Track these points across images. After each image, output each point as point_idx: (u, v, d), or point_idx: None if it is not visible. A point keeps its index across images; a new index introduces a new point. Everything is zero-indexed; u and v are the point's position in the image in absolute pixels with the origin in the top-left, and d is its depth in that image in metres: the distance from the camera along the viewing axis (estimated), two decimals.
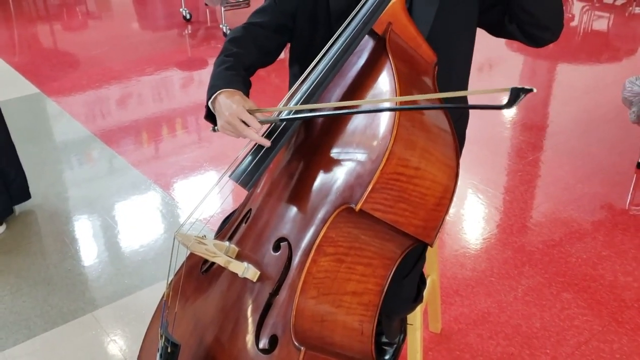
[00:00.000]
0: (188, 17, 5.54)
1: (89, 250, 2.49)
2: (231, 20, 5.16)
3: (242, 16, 5.27)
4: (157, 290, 2.21)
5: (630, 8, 5.89)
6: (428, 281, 1.77)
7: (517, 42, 1.37)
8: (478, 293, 2.19)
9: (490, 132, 3.37)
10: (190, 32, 5.39)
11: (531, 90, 0.83)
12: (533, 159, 3.12)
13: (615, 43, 5.11)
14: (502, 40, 1.43)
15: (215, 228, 1.53)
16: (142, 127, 3.57)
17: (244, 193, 1.36)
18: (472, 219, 2.64)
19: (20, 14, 6.01)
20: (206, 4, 5.60)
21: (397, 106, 1.06)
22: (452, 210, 2.64)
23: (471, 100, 1.16)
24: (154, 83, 4.23)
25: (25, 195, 2.71)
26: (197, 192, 2.93)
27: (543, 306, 2.12)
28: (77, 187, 2.94)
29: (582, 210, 2.66)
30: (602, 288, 2.20)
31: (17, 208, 2.70)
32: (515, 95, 0.84)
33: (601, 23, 5.70)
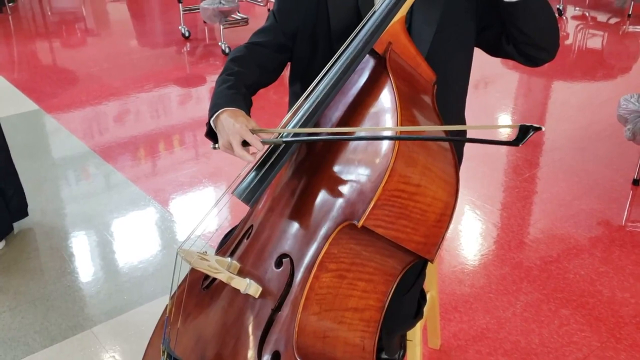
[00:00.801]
0: (187, 34, 5.58)
1: (87, 266, 2.49)
2: (230, 38, 5.20)
3: (241, 34, 5.33)
4: (156, 307, 2.21)
5: (624, 26, 5.97)
6: (427, 297, 1.78)
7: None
8: (477, 309, 2.19)
9: (487, 149, 3.40)
10: (189, 49, 5.43)
11: (540, 128, 0.86)
12: (529, 175, 3.15)
13: (609, 61, 5.17)
14: (497, 58, 1.46)
15: (215, 245, 1.54)
16: (141, 144, 3.59)
17: (243, 210, 1.37)
18: (470, 235, 2.65)
19: (20, 31, 6.05)
20: (205, 22, 5.65)
21: (399, 135, 1.08)
22: (450, 227, 2.65)
23: (480, 134, 1.19)
24: (152, 99, 4.25)
25: (24, 212, 2.71)
26: (195, 208, 2.94)
27: (541, 322, 2.12)
28: (76, 203, 2.94)
29: (579, 226, 2.68)
30: (600, 304, 2.21)
31: (16, 225, 2.70)
32: (525, 132, 0.86)
33: (595, 41, 5.77)
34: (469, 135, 1.36)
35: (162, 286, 2.34)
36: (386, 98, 1.15)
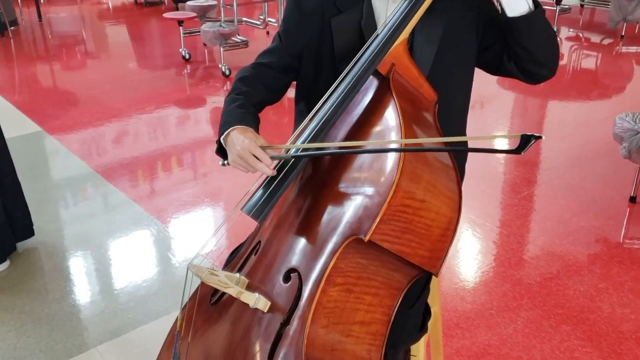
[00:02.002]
0: (187, 57, 5.66)
1: (91, 285, 2.50)
2: (230, 60, 5.27)
3: (240, 56, 5.40)
4: (160, 325, 2.22)
5: (617, 47, 6.07)
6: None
7: (508, 79, 1.44)
8: (478, 326, 2.21)
9: (486, 168, 3.44)
10: (189, 71, 5.49)
11: (540, 137, 0.90)
12: (528, 193, 3.19)
13: (604, 81, 5.25)
14: (493, 78, 1.50)
15: (218, 262, 1.56)
16: (143, 164, 3.62)
17: (249, 227, 1.40)
18: (470, 252, 2.68)
19: (21, 54, 6.12)
20: (205, 45, 5.73)
21: (403, 147, 1.12)
22: (453, 242, 2.68)
23: (481, 144, 1.23)
24: (153, 121, 4.30)
25: (29, 232, 2.74)
26: (198, 227, 2.96)
27: (543, 338, 2.14)
28: (79, 223, 2.97)
29: (578, 243, 2.71)
30: (601, 320, 2.23)
31: (20, 245, 2.72)
32: (526, 141, 0.90)
33: (590, 61, 5.86)
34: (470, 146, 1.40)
35: (166, 305, 2.35)
36: (390, 117, 1.18)
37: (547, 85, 4.98)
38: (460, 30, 1.39)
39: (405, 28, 1.28)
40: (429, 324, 1.63)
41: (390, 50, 1.27)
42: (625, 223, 2.91)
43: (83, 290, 2.47)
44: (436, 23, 1.36)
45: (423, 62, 1.35)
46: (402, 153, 1.10)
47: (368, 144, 1.21)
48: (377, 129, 1.23)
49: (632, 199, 3.05)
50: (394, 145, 1.15)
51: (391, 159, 1.12)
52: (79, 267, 2.62)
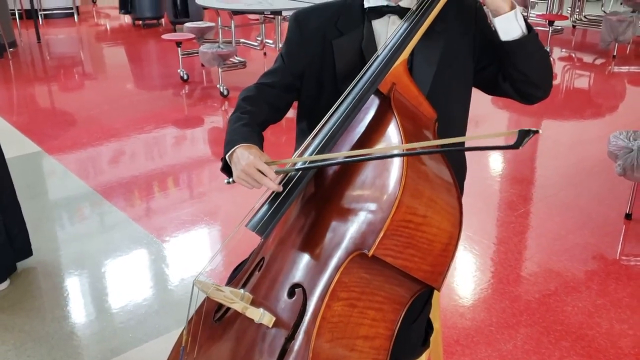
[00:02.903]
0: (185, 77, 5.71)
1: (91, 304, 2.51)
2: (228, 80, 5.32)
3: (238, 77, 5.46)
4: (161, 344, 2.22)
5: (610, 67, 6.16)
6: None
7: (502, 99, 1.48)
8: (478, 342, 2.22)
9: (482, 186, 3.48)
10: (187, 91, 5.54)
11: (537, 131, 0.93)
12: (524, 211, 3.21)
13: (597, 100, 5.32)
14: (488, 98, 1.54)
15: (219, 280, 1.57)
16: (142, 183, 3.64)
17: (251, 244, 1.42)
18: (468, 269, 2.70)
19: (20, 75, 6.16)
20: (203, 65, 5.79)
21: (406, 152, 1.15)
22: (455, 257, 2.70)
23: (479, 143, 1.25)
24: (151, 140, 4.33)
25: (28, 251, 2.74)
26: (197, 245, 2.97)
27: (542, 354, 2.15)
28: (79, 242, 2.97)
29: (575, 260, 2.74)
30: (599, 336, 2.25)
31: (19, 264, 2.72)
32: (523, 135, 0.93)
33: (582, 81, 5.94)
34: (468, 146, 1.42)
35: (166, 323, 2.35)
36: (392, 134, 1.22)
37: (541, 104, 5.01)
38: (458, 52, 1.43)
39: (405, 49, 1.32)
40: (430, 339, 1.64)
41: (390, 70, 1.31)
42: (621, 240, 2.94)
43: (82, 309, 2.47)
44: (435, 44, 1.40)
45: (423, 82, 1.39)
46: (404, 170, 1.13)
47: (372, 151, 1.24)
48: (380, 145, 1.26)
49: (628, 216, 3.08)
50: (396, 151, 1.18)
51: (393, 175, 1.15)
52: (78, 286, 2.62)
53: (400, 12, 1.39)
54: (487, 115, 4.69)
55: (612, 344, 2.20)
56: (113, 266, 2.77)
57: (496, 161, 3.87)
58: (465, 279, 2.63)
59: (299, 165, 1.27)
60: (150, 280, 2.67)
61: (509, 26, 1.32)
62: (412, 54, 1.38)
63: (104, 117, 4.78)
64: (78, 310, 2.46)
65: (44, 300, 2.52)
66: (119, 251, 2.89)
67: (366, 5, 1.43)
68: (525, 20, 1.35)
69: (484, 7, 1.42)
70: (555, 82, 5.85)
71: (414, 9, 1.35)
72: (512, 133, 0.97)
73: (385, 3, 1.40)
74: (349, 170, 1.25)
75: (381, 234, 1.11)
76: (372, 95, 1.32)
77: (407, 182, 1.13)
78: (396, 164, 1.16)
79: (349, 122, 1.29)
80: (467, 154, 1.60)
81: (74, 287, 2.62)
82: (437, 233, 1.18)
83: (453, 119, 1.47)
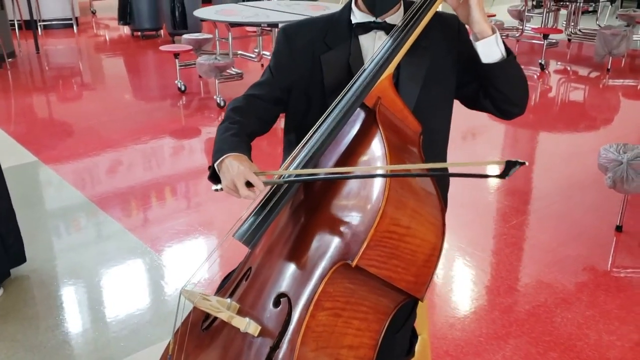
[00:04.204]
0: (183, 88, 5.75)
1: (84, 314, 2.52)
2: (225, 91, 5.36)
3: (235, 88, 5.50)
4: (153, 353, 2.24)
5: (604, 80, 6.21)
6: (419, 340, 1.83)
7: None
8: (467, 353, 2.24)
9: (476, 197, 3.50)
10: (184, 102, 5.58)
11: (524, 163, 0.97)
12: (517, 222, 3.24)
13: (591, 113, 5.36)
14: None
15: (210, 289, 1.59)
16: (138, 193, 3.66)
17: (240, 253, 1.44)
18: (460, 280, 2.72)
19: (19, 86, 6.20)
20: (200, 77, 5.83)
21: (390, 173, 1.18)
22: (440, 272, 2.72)
23: (463, 170, 1.30)
24: (148, 151, 4.35)
25: (21, 259, 2.76)
26: (191, 256, 2.99)
27: None
28: (74, 252, 2.99)
29: (565, 272, 2.76)
30: (588, 347, 2.26)
31: (13, 272, 2.74)
32: (510, 166, 0.97)
33: (577, 94, 5.99)
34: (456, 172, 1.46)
35: (159, 333, 2.37)
36: (376, 147, 1.24)
37: (536, 117, 5.09)
38: (442, 68, 1.47)
39: (391, 64, 1.35)
40: (418, 351, 1.66)
41: (376, 85, 1.34)
42: (612, 252, 2.96)
43: (75, 319, 2.48)
44: (421, 60, 1.44)
45: (409, 96, 1.42)
46: (387, 181, 1.16)
47: (356, 169, 1.27)
48: (364, 157, 1.29)
49: (619, 228, 3.11)
50: (380, 172, 1.21)
51: (377, 187, 1.17)
52: (71, 296, 2.64)
53: (387, 28, 1.42)
54: (484, 127, 4.72)
55: (601, 355, 2.22)
56: (107, 276, 2.79)
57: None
58: (456, 289, 2.65)
59: (286, 178, 1.29)
60: (144, 290, 2.68)
61: (489, 50, 1.37)
62: (398, 69, 1.42)
63: (101, 128, 4.81)
64: (71, 320, 2.47)
65: (36, 309, 2.54)
66: (113, 261, 2.90)
67: (353, 21, 1.46)
68: (504, 43, 1.39)
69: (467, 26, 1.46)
70: (550, 95, 5.90)
71: (400, 25, 1.38)
72: (500, 163, 1.01)
73: (372, 19, 1.44)
74: (335, 181, 1.28)
75: (365, 245, 1.13)
76: (358, 109, 1.35)
77: (390, 194, 1.16)
78: (381, 169, 1.18)
79: (335, 134, 1.32)
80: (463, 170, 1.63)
81: (67, 297, 2.63)
82: (420, 244, 1.21)
83: (436, 132, 1.51)
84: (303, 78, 1.49)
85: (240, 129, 1.42)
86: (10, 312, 2.51)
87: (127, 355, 2.25)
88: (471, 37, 1.40)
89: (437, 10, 1.42)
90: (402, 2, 1.46)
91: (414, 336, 1.53)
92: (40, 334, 2.38)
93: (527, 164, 0.99)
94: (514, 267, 2.82)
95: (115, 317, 2.49)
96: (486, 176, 1.05)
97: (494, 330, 2.36)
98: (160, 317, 2.47)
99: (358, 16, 1.46)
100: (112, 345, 2.31)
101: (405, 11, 1.44)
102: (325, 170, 1.31)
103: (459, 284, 2.69)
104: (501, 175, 1.00)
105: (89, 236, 3.18)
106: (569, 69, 6.82)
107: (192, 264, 2.90)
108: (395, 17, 1.44)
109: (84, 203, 3.53)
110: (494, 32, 1.36)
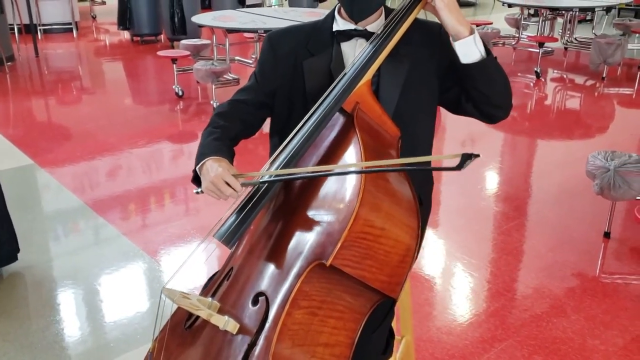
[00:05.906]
0: (180, 93, 5.79)
1: (76, 316, 2.55)
2: (221, 96, 5.40)
3: (231, 93, 5.48)
4: (143, 354, 2.26)
5: (599, 88, 6.25)
6: (402, 342, 1.86)
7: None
8: (453, 356, 2.26)
9: (467, 203, 3.53)
10: (182, 107, 5.62)
11: (478, 155, 1.01)
12: (507, 228, 3.27)
13: (586, 120, 5.40)
14: None
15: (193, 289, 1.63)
16: (133, 197, 3.70)
17: (223, 256, 1.48)
18: (448, 283, 2.74)
19: (17, 89, 6.25)
20: (198, 82, 5.87)
21: (362, 169, 1.21)
22: (428, 275, 2.75)
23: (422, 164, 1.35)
24: (146, 155, 4.39)
25: (13, 257, 2.80)
26: (183, 259, 3.01)
27: None
28: (69, 254, 3.02)
29: (553, 277, 2.79)
30: (572, 351, 2.29)
31: (6, 273, 2.77)
32: (465, 159, 1.01)
33: (573, 102, 6.03)
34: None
35: (149, 333, 2.40)
36: (352, 150, 1.28)
37: (530, 124, 5.13)
38: (424, 74, 1.50)
39: (369, 70, 1.39)
40: (400, 353, 1.69)
41: (354, 90, 1.37)
42: (599, 258, 2.99)
43: (67, 321, 2.51)
44: (401, 66, 1.47)
45: (388, 102, 1.46)
46: (362, 183, 1.19)
47: (332, 167, 1.31)
48: (342, 161, 1.32)
49: (607, 235, 3.14)
50: (352, 168, 1.24)
51: (352, 188, 1.21)
52: (64, 298, 2.67)
53: (367, 35, 1.46)
54: (483, 134, 4.75)
55: (584, 358, 2.25)
56: (100, 278, 2.82)
57: (481, 179, 3.93)
58: (443, 293, 2.68)
59: (265, 179, 1.33)
60: (137, 294, 2.71)
61: (468, 50, 1.39)
62: (379, 75, 1.45)
63: (99, 132, 4.85)
64: (63, 321, 2.50)
65: (29, 310, 2.57)
66: (106, 263, 2.93)
67: (335, 28, 1.50)
68: (485, 44, 1.42)
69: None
70: (546, 102, 5.94)
71: (378, 32, 1.42)
72: (456, 156, 1.05)
73: (353, 27, 1.47)
74: (313, 183, 1.32)
75: (339, 245, 1.17)
76: (337, 114, 1.38)
77: (364, 196, 1.19)
78: (355, 179, 1.22)
79: (313, 138, 1.35)
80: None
81: (60, 299, 2.66)
82: (394, 245, 1.24)
83: (419, 138, 1.54)
84: (286, 83, 1.53)
85: (223, 133, 1.46)
86: (1, 312, 2.53)
87: (117, 355, 2.28)
88: (451, 39, 1.43)
89: (419, 17, 1.46)
90: (383, 11, 1.50)
91: (391, 336, 1.56)
92: (31, 334, 2.40)
93: (480, 156, 1.03)
94: (502, 272, 2.85)
95: (106, 318, 2.52)
96: (442, 169, 1.09)
97: (480, 333, 2.39)
98: (150, 319, 2.50)
99: (340, 24, 1.50)
100: (102, 346, 2.34)
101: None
102: (300, 170, 1.35)
103: (446, 287, 2.72)
104: (456, 167, 1.05)
105: (83, 239, 3.21)
106: (564, 77, 6.86)
107: (188, 267, 2.92)
108: (375, 25, 1.47)
109: (79, 206, 3.56)
110: (472, 32, 1.39)
